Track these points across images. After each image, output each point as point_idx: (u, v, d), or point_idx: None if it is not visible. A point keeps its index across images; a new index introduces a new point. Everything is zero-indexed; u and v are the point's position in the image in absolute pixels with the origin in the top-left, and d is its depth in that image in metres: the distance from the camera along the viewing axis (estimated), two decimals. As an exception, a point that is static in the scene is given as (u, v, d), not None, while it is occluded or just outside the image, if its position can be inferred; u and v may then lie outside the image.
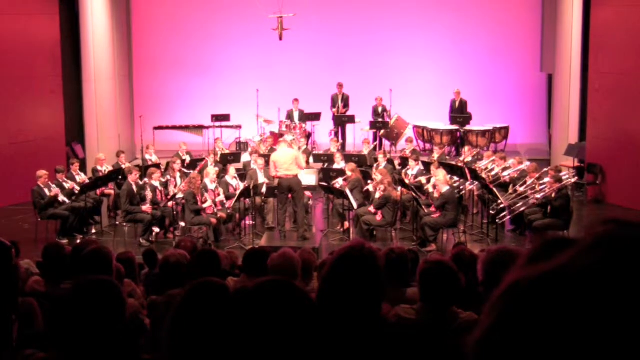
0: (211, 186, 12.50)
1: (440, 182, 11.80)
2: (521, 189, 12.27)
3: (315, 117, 17.80)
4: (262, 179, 13.18)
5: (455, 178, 13.06)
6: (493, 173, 13.35)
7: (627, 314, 0.76)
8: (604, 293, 0.78)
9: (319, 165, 14.46)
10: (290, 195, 12.17)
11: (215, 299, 2.31)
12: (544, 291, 0.81)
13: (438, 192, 11.79)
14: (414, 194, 12.14)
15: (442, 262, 3.97)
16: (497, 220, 12.06)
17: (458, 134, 17.69)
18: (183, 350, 2.18)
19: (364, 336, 2.51)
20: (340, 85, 18.07)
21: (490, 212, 12.09)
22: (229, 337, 1.81)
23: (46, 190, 12.44)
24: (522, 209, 11.95)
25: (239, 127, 18.24)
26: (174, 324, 2.22)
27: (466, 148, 15.46)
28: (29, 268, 6.43)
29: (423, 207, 12.00)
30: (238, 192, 12.29)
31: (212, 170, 12.84)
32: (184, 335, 2.17)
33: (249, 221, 12.92)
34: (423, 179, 13.10)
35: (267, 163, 13.81)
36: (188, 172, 13.65)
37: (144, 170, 13.50)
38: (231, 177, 13.21)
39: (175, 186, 13.04)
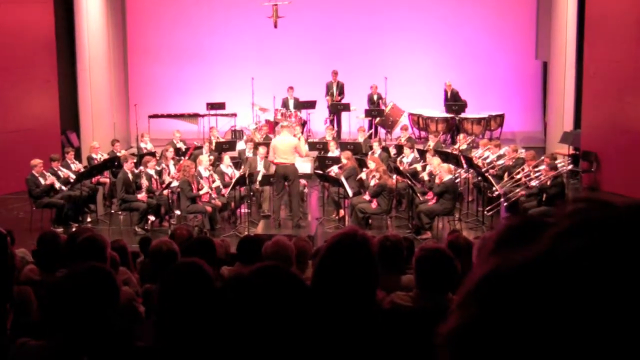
0: (205, 173, 12.49)
1: (443, 169, 11.79)
2: (518, 177, 12.27)
3: (311, 105, 17.74)
4: (259, 167, 13.17)
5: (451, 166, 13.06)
6: (488, 161, 13.35)
7: (620, 303, 0.74)
8: (594, 281, 0.75)
9: (314, 153, 14.46)
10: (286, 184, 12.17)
11: (197, 278, 2.31)
12: (527, 281, 0.77)
13: (440, 179, 11.77)
14: (409, 182, 12.14)
15: (438, 249, 3.97)
16: (486, 212, 12.07)
17: (453, 121, 17.67)
18: (175, 334, 2.18)
19: (359, 322, 2.50)
20: (335, 73, 18.01)
21: (489, 194, 12.09)
22: (224, 323, 1.80)
23: (41, 179, 12.42)
24: (513, 199, 11.94)
25: (234, 115, 18.19)
26: (162, 306, 2.22)
27: (461, 136, 15.44)
28: (24, 256, 6.42)
29: (418, 194, 12.00)
30: (234, 180, 12.29)
31: (205, 158, 12.83)
32: (173, 317, 2.17)
33: (244, 209, 12.91)
34: (418, 167, 13.10)
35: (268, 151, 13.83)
36: (180, 159, 13.66)
37: (140, 158, 13.47)
38: (226, 166, 13.19)
39: (169, 174, 13.02)
